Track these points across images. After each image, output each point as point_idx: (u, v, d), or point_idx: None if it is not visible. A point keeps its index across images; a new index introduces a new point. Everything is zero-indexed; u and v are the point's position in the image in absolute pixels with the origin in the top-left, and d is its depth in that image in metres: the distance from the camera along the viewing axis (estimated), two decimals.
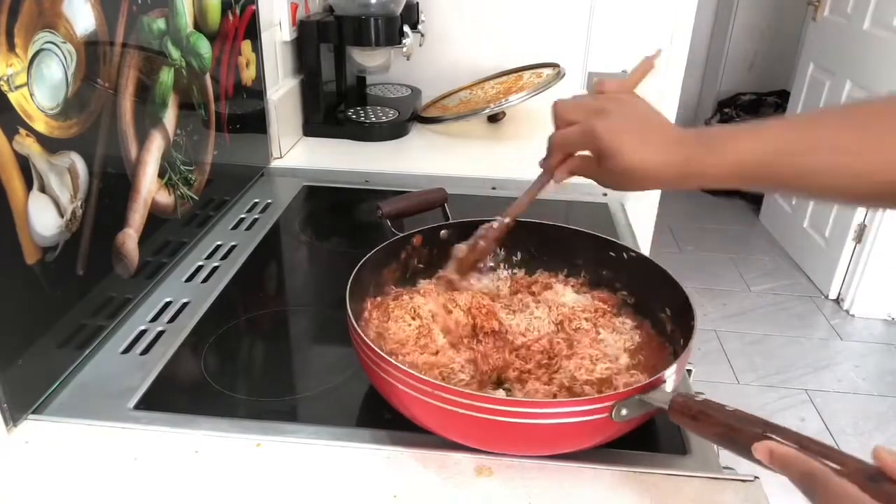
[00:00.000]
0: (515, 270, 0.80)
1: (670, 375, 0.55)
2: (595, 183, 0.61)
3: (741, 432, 0.46)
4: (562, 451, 0.57)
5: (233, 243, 0.96)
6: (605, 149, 0.56)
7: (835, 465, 0.40)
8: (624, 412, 0.52)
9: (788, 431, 0.44)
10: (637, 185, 0.57)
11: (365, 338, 0.57)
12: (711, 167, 0.54)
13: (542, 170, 0.65)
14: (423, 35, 1.42)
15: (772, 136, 0.54)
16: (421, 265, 0.78)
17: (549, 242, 0.79)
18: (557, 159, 0.62)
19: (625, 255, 0.75)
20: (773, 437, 0.44)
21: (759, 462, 0.44)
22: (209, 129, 0.97)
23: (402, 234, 0.77)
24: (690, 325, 0.61)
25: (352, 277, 0.66)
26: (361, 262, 0.69)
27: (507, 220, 0.70)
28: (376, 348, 0.56)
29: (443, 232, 0.78)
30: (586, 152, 0.60)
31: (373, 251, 0.72)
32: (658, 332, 0.69)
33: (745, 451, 0.45)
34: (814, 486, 0.39)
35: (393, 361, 0.55)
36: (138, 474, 0.57)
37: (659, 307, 0.70)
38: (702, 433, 0.50)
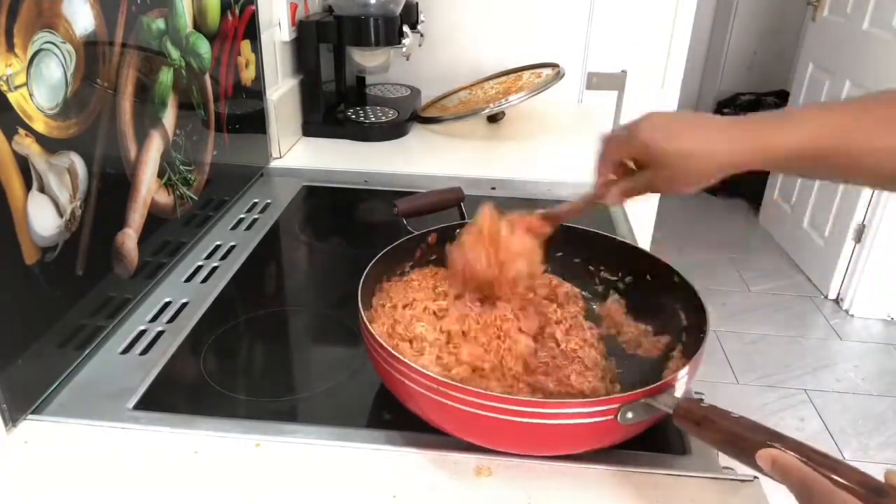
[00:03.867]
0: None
1: (681, 378, 0.54)
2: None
3: (746, 440, 0.46)
4: (566, 451, 0.57)
5: (232, 243, 0.96)
6: (653, 142, 0.55)
7: (839, 479, 0.39)
8: (630, 415, 0.52)
9: (793, 441, 0.43)
10: (696, 173, 0.55)
11: (375, 333, 0.57)
12: (779, 143, 0.52)
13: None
14: (422, 35, 1.42)
15: (838, 112, 0.53)
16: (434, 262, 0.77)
17: (559, 244, 0.78)
18: (606, 171, 0.61)
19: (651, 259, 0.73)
20: (777, 446, 0.43)
21: (760, 470, 0.44)
22: (208, 129, 0.97)
23: (417, 233, 0.76)
24: (703, 328, 0.60)
25: (365, 273, 0.65)
26: (376, 258, 0.69)
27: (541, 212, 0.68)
28: (386, 344, 0.56)
29: (458, 231, 0.78)
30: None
31: (387, 248, 0.71)
32: (669, 334, 0.67)
33: (747, 458, 0.45)
34: (811, 496, 0.39)
35: (405, 360, 0.54)
36: (137, 474, 0.57)
37: (670, 309, 0.68)
38: (705, 439, 0.50)
